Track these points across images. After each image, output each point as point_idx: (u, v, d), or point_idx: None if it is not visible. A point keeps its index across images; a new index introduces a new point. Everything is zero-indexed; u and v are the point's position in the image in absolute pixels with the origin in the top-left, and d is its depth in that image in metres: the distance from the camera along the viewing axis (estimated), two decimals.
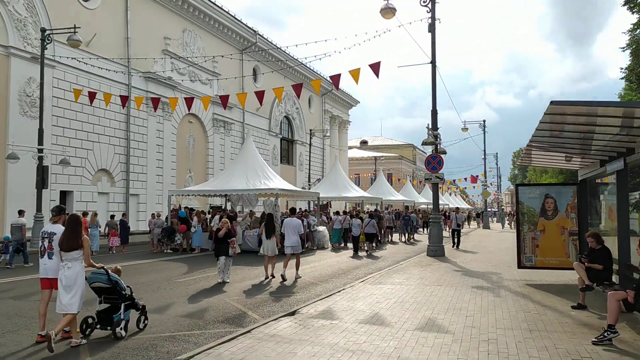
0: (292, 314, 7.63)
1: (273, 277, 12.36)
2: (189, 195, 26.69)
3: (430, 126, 16.56)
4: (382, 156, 75.21)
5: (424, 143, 16.41)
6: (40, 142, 19.63)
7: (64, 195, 24.04)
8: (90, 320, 6.75)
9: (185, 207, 20.97)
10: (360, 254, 18.96)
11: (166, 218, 20.28)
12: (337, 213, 27.32)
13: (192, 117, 33.26)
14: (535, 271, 11.81)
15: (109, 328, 6.66)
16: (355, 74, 16.20)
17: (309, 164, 44.15)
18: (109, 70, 25.05)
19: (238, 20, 36.07)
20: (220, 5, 34.15)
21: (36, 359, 5.84)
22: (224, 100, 17.93)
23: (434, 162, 16.62)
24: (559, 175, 57.65)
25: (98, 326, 6.75)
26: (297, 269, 12.67)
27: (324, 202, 32.15)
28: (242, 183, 19.37)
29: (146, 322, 7.16)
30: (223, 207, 23.66)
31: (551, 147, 9.84)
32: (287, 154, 46.91)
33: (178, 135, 31.77)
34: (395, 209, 36.54)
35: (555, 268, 11.12)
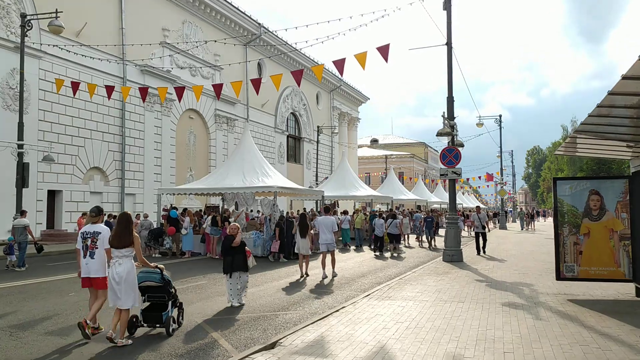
0: (272, 346, 5.86)
1: (307, 275, 12.69)
2: (188, 194, 25.10)
3: (446, 115, 14.67)
4: (393, 154, 73.19)
5: (439, 134, 14.50)
6: (20, 137, 18.05)
7: (52, 194, 22.53)
8: (134, 319, 6.81)
9: (173, 207, 19.22)
10: (386, 254, 18.65)
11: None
12: (346, 212, 25.57)
13: (192, 112, 31.65)
14: (574, 282, 9.91)
15: (157, 326, 6.87)
16: (361, 58, 14.39)
17: (317, 162, 42.38)
18: (101, 60, 23.50)
19: (241, 12, 34.37)
20: None
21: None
22: (217, 89, 16.24)
23: (451, 155, 14.71)
24: (579, 172, 55.19)
25: (145, 324, 6.86)
26: (333, 266, 12.75)
27: (331, 201, 30.29)
28: (238, 180, 17.62)
29: (183, 318, 7.37)
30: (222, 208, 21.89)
31: (603, 134, 7.96)
32: (294, 151, 45.19)
33: (178, 131, 30.17)
34: (408, 209, 34.62)
35: (602, 280, 9.22)
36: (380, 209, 32.26)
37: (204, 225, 17.15)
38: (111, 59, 24.22)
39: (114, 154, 25.40)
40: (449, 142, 15.12)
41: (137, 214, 19.48)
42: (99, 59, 23.16)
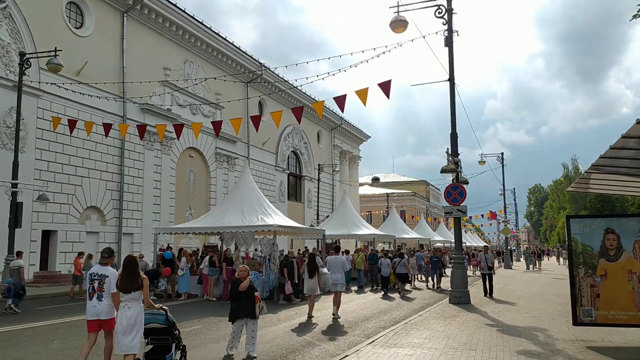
0: None
1: (312, 317, 12.37)
2: (186, 234, 24.50)
3: (449, 151, 14.34)
4: (394, 193, 72.79)
5: (443, 170, 14.12)
6: (15, 175, 17.69)
7: (46, 235, 22.02)
8: None
9: (169, 246, 18.66)
10: (392, 295, 18.33)
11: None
12: (347, 252, 24.90)
13: (193, 151, 31.47)
14: (591, 327, 9.32)
15: None
16: (362, 94, 14.22)
17: (318, 201, 41.94)
18: (100, 98, 23.38)
19: (242, 51, 34.68)
20: (224, 36, 32.82)
21: None
22: (216, 126, 16.03)
23: (455, 192, 14.28)
24: (582, 210, 54.57)
25: None
26: (337, 307, 12.52)
27: (333, 240, 29.69)
28: (237, 219, 17.14)
29: None
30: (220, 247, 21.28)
31: (618, 168, 7.58)
32: (294, 190, 44.84)
33: (177, 170, 29.89)
34: (409, 248, 33.92)
35: (621, 325, 8.63)
36: (384, 248, 31.64)
37: (202, 266, 16.57)
38: (111, 97, 24.14)
39: (112, 192, 25.01)
40: (453, 180, 14.71)
41: (142, 254, 18.85)
42: (98, 96, 22.99)
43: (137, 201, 26.46)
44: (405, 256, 20.45)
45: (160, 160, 28.24)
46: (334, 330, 10.93)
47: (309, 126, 45.93)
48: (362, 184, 72.54)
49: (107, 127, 16.97)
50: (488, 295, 16.34)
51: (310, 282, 12.49)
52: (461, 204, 14.32)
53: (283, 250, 20.30)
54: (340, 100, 14.51)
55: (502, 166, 38.79)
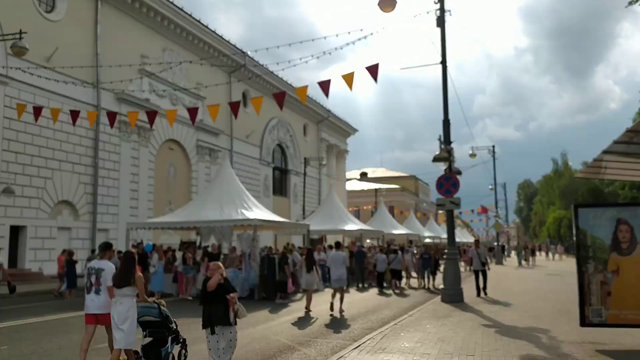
0: None
1: (309, 310, 12.47)
2: (162, 228, 23.29)
3: (442, 138, 13.37)
4: (382, 188, 71.95)
5: (436, 159, 13.13)
6: None
7: (15, 230, 20.75)
8: (136, 355, 6.62)
9: (140, 244, 17.47)
10: (387, 291, 18.11)
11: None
12: (332, 247, 23.89)
13: (173, 143, 30.26)
14: (600, 328, 8.42)
15: None
16: (348, 78, 13.25)
17: (304, 195, 40.92)
18: (70, 85, 21.94)
19: (225, 40, 33.46)
20: (205, 24, 31.59)
21: None
22: (192, 114, 14.92)
23: (448, 183, 13.31)
24: (570, 207, 53.93)
25: None
26: (342, 302, 12.47)
27: (318, 236, 28.68)
28: (215, 213, 16.03)
29: (186, 355, 6.98)
30: (199, 243, 20.11)
31: (634, 155, 6.67)
32: (280, 184, 43.75)
33: (157, 163, 28.67)
34: (400, 245, 32.93)
35: (635, 325, 7.74)
36: (372, 244, 30.65)
37: (176, 263, 15.47)
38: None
39: (86, 186, 23.76)
40: (445, 170, 13.72)
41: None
42: (65, 82, 21.37)
43: (113, 195, 25.24)
44: (400, 252, 19.54)
45: (138, 152, 27.02)
46: (318, 331, 9.96)
47: (295, 119, 44.86)
48: (349, 179, 71.71)
49: (75, 114, 15.72)
50: (482, 294, 15.19)
51: (308, 276, 12.86)
52: (454, 196, 13.36)
53: (266, 247, 19.11)
54: (325, 86, 13.50)
55: (494, 159, 38.08)
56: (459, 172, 15.56)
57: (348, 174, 71.13)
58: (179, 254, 16.39)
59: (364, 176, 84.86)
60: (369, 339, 8.57)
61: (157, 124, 28.61)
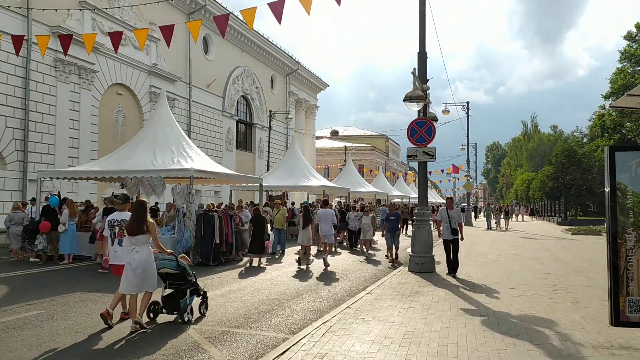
0: None
1: (308, 266, 13.06)
2: (79, 179, 20.52)
3: (417, 73, 11.10)
4: (353, 146, 70.02)
5: (408, 98, 10.70)
6: None
7: None
8: (155, 306, 6.85)
9: (54, 193, 14.90)
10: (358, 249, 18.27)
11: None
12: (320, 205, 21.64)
13: (121, 87, 27.29)
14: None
15: (175, 313, 6.82)
16: (306, 1, 10.84)
17: (268, 151, 38.56)
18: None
19: None
20: None
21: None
22: (64, 42, 12.25)
23: (422, 130, 11.11)
24: (546, 165, 52.42)
25: (164, 310, 6.85)
26: (326, 256, 13.33)
27: (279, 192, 26.57)
28: (146, 162, 13.59)
29: (206, 308, 7.28)
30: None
31: None
32: (244, 139, 41.18)
33: (102, 108, 25.77)
34: (367, 204, 31.14)
35: None
36: (340, 202, 28.71)
37: (94, 221, 13.09)
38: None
39: (14, 131, 20.88)
40: (419, 113, 11.52)
41: (18, 203, 14.99)
42: None
43: (48, 143, 22.43)
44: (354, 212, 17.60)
45: (79, 96, 24.06)
46: (241, 318, 7.53)
47: (262, 69, 41.97)
48: (320, 137, 69.55)
49: None
50: (452, 274, 11.29)
51: (305, 232, 13.31)
52: (429, 145, 11.23)
53: (203, 205, 16.19)
54: (278, 7, 11.11)
55: (467, 116, 36.23)
56: (435, 119, 13.44)
57: (319, 132, 68.92)
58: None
59: (334, 134, 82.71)
60: (306, 336, 6.31)
61: (104, 66, 25.66)
